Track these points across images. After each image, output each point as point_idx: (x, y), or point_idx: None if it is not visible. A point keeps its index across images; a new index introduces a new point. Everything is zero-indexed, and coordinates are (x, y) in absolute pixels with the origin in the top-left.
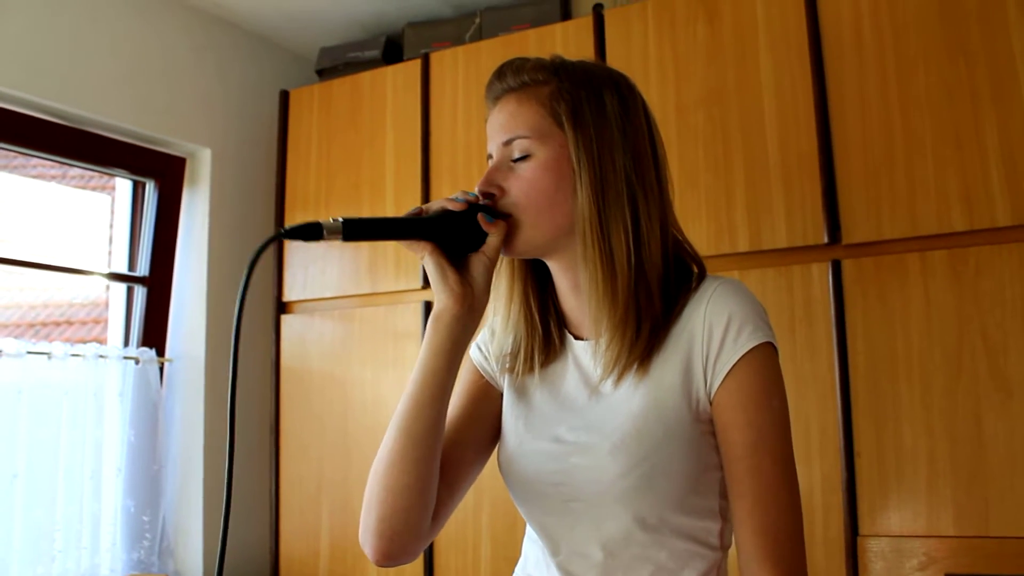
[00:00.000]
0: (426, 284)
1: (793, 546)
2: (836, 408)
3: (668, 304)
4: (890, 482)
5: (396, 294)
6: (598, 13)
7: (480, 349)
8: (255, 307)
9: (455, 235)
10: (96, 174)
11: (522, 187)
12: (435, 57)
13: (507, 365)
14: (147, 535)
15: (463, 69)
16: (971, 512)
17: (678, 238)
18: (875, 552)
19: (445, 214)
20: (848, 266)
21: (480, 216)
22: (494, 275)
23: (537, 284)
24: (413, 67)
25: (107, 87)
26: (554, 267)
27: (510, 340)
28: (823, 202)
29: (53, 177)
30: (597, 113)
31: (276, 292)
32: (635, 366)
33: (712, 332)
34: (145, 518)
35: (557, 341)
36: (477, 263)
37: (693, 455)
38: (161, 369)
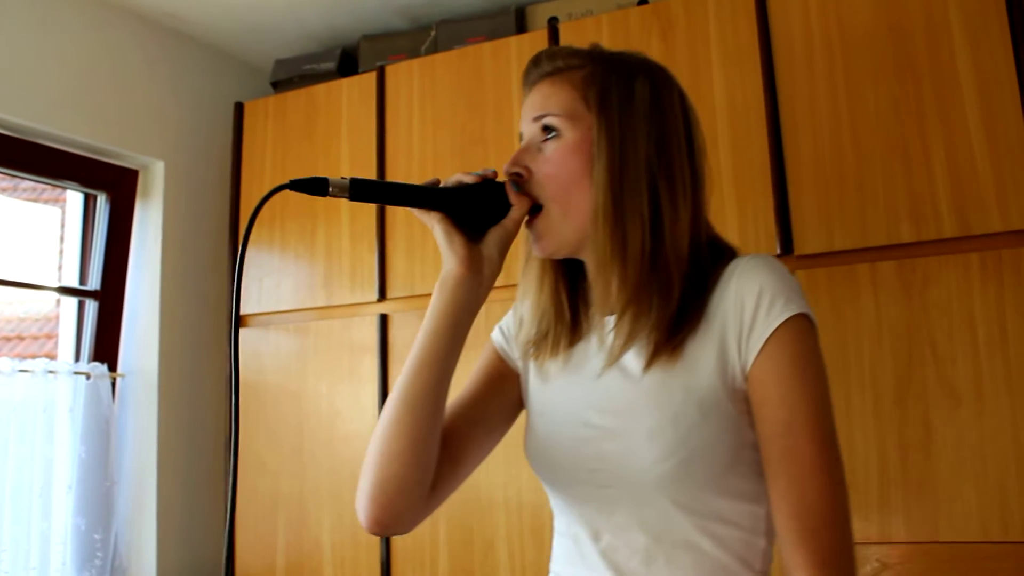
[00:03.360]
0: (381, 297)
1: (832, 532)
2: None
3: (698, 289)
4: None
5: (352, 307)
6: (553, 26)
7: (503, 332)
8: (209, 321)
9: (468, 208)
10: (47, 187)
11: (548, 169)
12: (390, 70)
13: (532, 352)
14: (99, 554)
15: (418, 82)
16: (922, 518)
17: (712, 232)
18: None
19: (460, 187)
20: (800, 276)
21: (508, 185)
22: (527, 264)
23: (568, 273)
24: (368, 80)
25: (58, 99)
26: (586, 260)
27: (535, 327)
28: (775, 214)
29: (3, 190)
30: (624, 99)
31: (231, 305)
32: (662, 347)
33: (744, 306)
34: (97, 536)
35: (584, 323)
36: (492, 234)
37: (731, 434)
38: (113, 384)
